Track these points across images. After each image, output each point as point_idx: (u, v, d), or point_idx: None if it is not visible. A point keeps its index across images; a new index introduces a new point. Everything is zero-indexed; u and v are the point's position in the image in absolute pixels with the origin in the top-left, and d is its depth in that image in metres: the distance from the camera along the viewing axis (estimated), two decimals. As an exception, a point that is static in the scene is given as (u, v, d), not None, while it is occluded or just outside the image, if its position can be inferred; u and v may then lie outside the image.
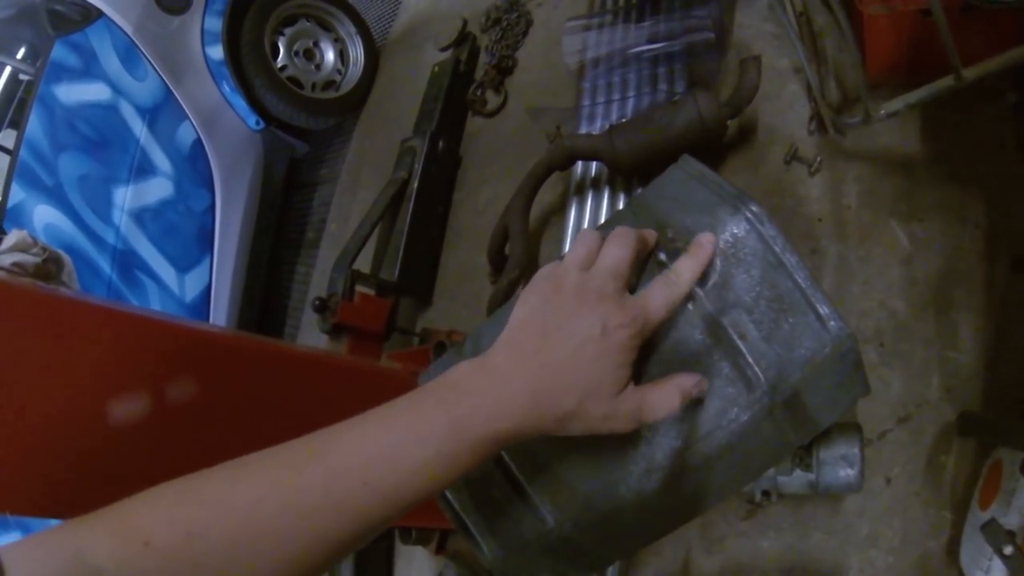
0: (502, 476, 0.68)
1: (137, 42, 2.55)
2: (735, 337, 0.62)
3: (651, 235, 0.65)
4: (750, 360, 0.62)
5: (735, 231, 0.64)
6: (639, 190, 1.55)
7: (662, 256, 0.65)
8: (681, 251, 0.65)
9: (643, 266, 0.66)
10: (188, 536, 0.42)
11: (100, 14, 2.49)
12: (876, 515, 1.25)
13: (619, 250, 0.57)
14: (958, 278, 1.28)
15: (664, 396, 0.56)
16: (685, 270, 0.59)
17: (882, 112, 1.20)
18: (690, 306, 0.64)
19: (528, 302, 0.56)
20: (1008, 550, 0.90)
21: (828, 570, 1.27)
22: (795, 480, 1.21)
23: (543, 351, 0.52)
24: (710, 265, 0.64)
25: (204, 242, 2.85)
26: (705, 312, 0.63)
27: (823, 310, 0.62)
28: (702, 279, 0.64)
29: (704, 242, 0.61)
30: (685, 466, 0.63)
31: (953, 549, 1.16)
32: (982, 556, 1.01)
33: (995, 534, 0.92)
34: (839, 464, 1.16)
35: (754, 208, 0.64)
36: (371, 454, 0.47)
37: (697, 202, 0.68)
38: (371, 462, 0.47)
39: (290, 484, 0.45)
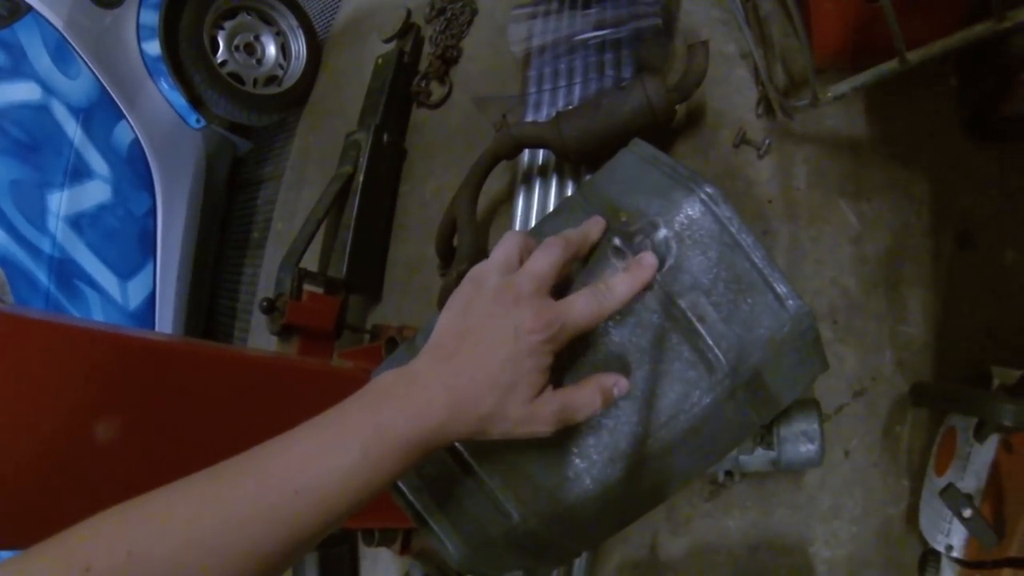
0: (462, 473, 0.67)
1: (69, 38, 2.41)
2: (694, 319, 0.62)
3: (596, 227, 0.65)
4: (710, 342, 0.62)
5: (690, 213, 0.64)
6: (588, 176, 1.54)
7: (616, 241, 0.65)
8: (636, 235, 0.64)
9: (592, 252, 0.65)
10: (129, 557, 0.42)
11: (29, 9, 2.34)
12: (837, 487, 1.28)
13: (545, 256, 0.57)
14: (906, 254, 1.30)
15: (584, 397, 0.57)
16: (618, 287, 0.59)
17: (829, 95, 1.21)
18: (646, 291, 0.64)
19: (450, 306, 0.57)
20: (967, 512, 0.92)
21: (793, 544, 1.29)
22: (757, 459, 1.22)
23: (460, 353, 0.53)
24: (666, 248, 0.63)
25: (146, 247, 2.74)
26: (662, 295, 0.63)
27: (781, 289, 0.62)
28: (660, 263, 0.63)
29: (646, 263, 0.61)
30: (649, 453, 0.63)
31: (913, 515, 1.19)
32: (941, 520, 1.03)
33: (954, 498, 0.94)
34: (799, 440, 1.18)
35: (709, 189, 0.64)
36: (300, 463, 0.48)
37: (650, 185, 0.67)
38: (300, 471, 0.47)
39: (226, 498, 0.46)
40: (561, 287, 0.62)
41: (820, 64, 1.36)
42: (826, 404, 1.28)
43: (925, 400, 1.22)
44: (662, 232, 0.64)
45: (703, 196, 0.64)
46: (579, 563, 1.45)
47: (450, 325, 0.55)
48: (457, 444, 0.66)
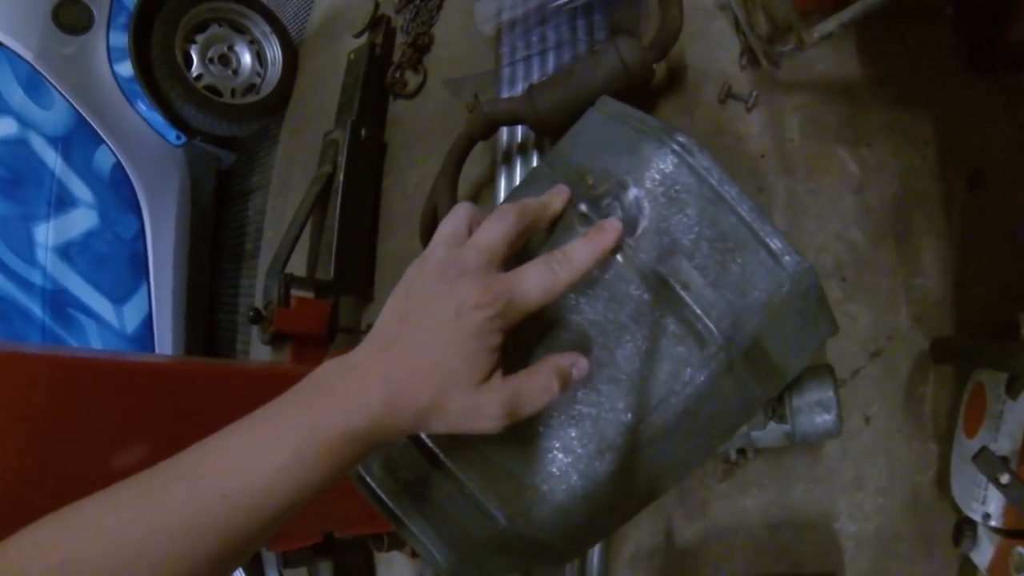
0: (440, 475, 0.61)
1: (40, 69, 2.41)
2: (677, 287, 0.55)
3: (559, 196, 0.58)
4: (698, 312, 0.55)
5: (662, 167, 0.57)
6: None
7: (583, 207, 0.58)
8: (603, 198, 0.58)
9: (556, 222, 0.59)
10: (61, 567, 0.40)
11: (-2, 44, 2.33)
12: (859, 457, 1.21)
13: (494, 226, 0.50)
14: (914, 201, 1.23)
15: (538, 382, 0.49)
16: (576, 254, 0.52)
17: (815, 35, 1.15)
18: (620, 258, 0.57)
19: (396, 289, 0.51)
20: (1005, 478, 0.85)
21: (816, 520, 1.23)
22: (770, 433, 1.15)
23: (400, 339, 0.47)
24: (638, 210, 0.56)
25: (138, 269, 2.73)
26: (639, 263, 0.56)
27: (775, 244, 0.55)
28: (631, 227, 0.56)
29: (607, 226, 0.54)
30: (641, 441, 0.56)
31: (943, 482, 1.12)
32: (976, 486, 0.97)
33: (989, 462, 0.87)
34: (814, 411, 1.10)
35: (681, 139, 0.57)
36: (229, 463, 0.44)
37: (617, 142, 0.61)
38: (228, 471, 0.44)
39: (155, 505, 0.43)
40: (521, 264, 0.53)
41: (803, 6, 1.27)
42: (841, 369, 1.21)
43: (948, 357, 1.15)
44: (632, 192, 0.57)
45: (675, 147, 0.57)
46: (594, 554, 1.39)
47: (392, 308, 0.50)
48: (430, 443, 0.60)
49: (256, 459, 0.44)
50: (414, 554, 1.80)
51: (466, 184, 1.86)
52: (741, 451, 1.21)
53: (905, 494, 1.16)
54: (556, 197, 0.58)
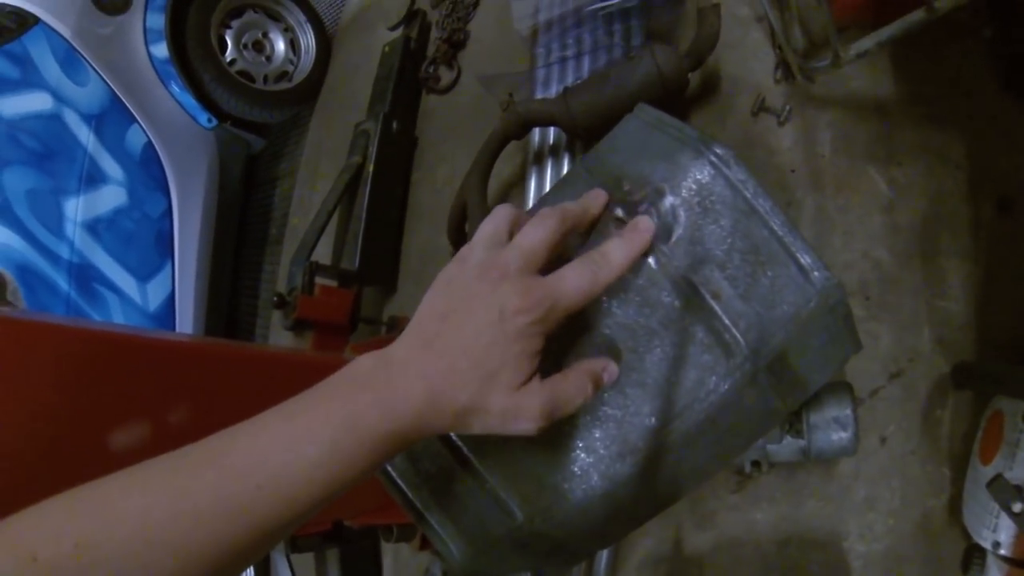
0: (462, 469, 0.61)
1: (77, 46, 2.43)
2: (707, 297, 0.56)
3: (597, 200, 0.58)
4: (727, 322, 0.55)
5: (699, 177, 0.57)
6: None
7: (619, 212, 0.59)
8: (639, 204, 0.58)
9: (593, 226, 0.59)
10: (76, 548, 0.39)
11: (36, 20, 2.36)
12: (872, 477, 1.20)
13: (535, 230, 0.50)
14: (942, 222, 1.22)
15: (572, 386, 0.50)
16: (614, 254, 0.52)
17: (852, 52, 1.14)
18: (654, 264, 0.57)
19: (434, 285, 0.51)
20: (1017, 507, 0.85)
21: (826, 538, 1.22)
22: (785, 448, 1.14)
23: (440, 338, 0.47)
24: (673, 218, 0.57)
25: (163, 248, 2.75)
26: (671, 271, 0.57)
27: (805, 260, 0.55)
28: (666, 234, 0.57)
29: (641, 226, 0.54)
30: (662, 447, 0.56)
31: (955, 507, 1.11)
32: (988, 514, 0.96)
33: (1002, 490, 0.87)
34: (831, 428, 1.10)
35: (719, 150, 0.57)
36: (264, 454, 0.44)
37: (655, 150, 0.61)
38: (264, 463, 0.43)
39: (182, 489, 0.42)
40: (557, 266, 0.53)
41: (840, 21, 1.27)
42: (859, 387, 1.21)
43: (968, 381, 1.14)
44: (668, 199, 0.58)
45: (713, 158, 0.57)
46: (601, 560, 1.39)
47: (431, 306, 0.49)
48: (455, 438, 0.61)
49: (293, 451, 0.44)
50: (422, 546, 1.79)
51: (496, 182, 1.86)
52: (756, 463, 1.21)
53: (916, 517, 1.16)
54: (594, 201, 0.58)
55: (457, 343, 0.46)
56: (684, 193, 0.57)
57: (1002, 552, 0.94)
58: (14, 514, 0.41)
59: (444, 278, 0.50)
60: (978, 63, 1.23)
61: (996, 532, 0.95)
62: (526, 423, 0.48)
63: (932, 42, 1.22)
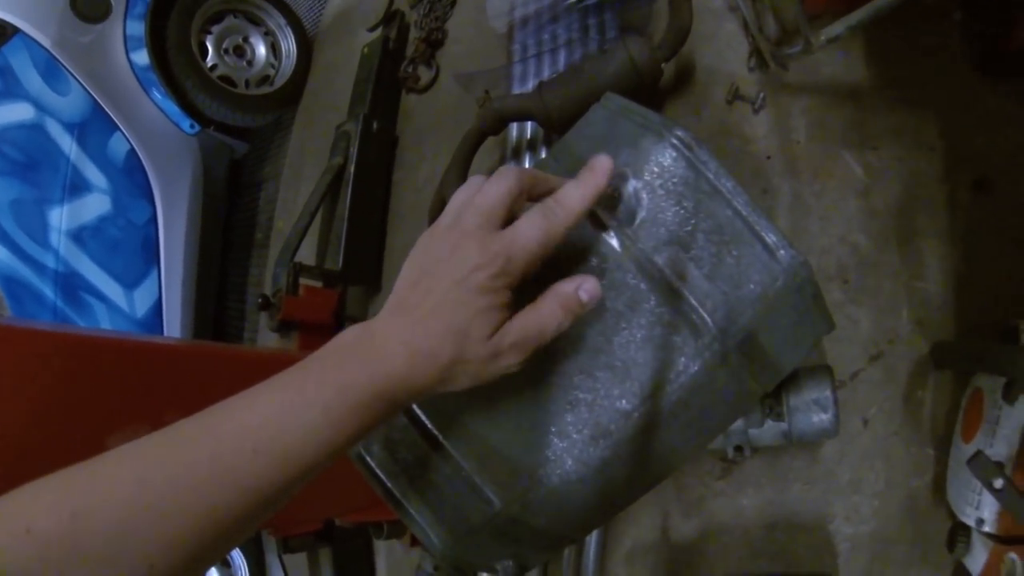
0: (438, 457, 0.62)
1: (57, 56, 2.43)
2: (673, 278, 0.56)
3: (556, 178, 0.58)
4: (693, 302, 0.56)
5: (661, 160, 0.58)
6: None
7: None
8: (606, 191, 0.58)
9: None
10: (72, 519, 0.40)
11: (16, 31, 2.36)
12: (856, 459, 1.21)
13: (492, 187, 0.52)
14: (919, 204, 1.22)
15: (544, 313, 0.51)
16: (569, 196, 0.52)
17: (823, 38, 1.15)
18: (618, 247, 0.58)
19: (409, 256, 0.53)
20: (998, 483, 0.85)
21: (812, 521, 1.23)
22: (767, 432, 1.14)
23: (414, 303, 0.50)
24: (636, 201, 0.57)
25: (149, 255, 2.76)
26: (636, 253, 0.57)
27: (770, 238, 0.56)
28: (630, 218, 0.57)
29: (596, 165, 0.53)
30: (636, 429, 0.57)
31: (940, 487, 1.12)
32: (970, 491, 0.96)
33: (983, 467, 0.87)
34: (812, 410, 1.10)
35: (679, 133, 0.58)
36: (259, 420, 0.46)
37: (619, 136, 0.62)
38: (259, 428, 0.46)
39: (178, 458, 0.44)
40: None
41: (812, 10, 1.28)
42: (840, 370, 1.21)
43: (948, 361, 1.15)
44: (631, 183, 0.59)
45: (674, 140, 0.58)
46: (590, 549, 1.40)
47: (406, 275, 0.52)
48: (429, 425, 0.62)
49: (287, 417, 0.46)
50: (413, 543, 1.80)
51: (475, 179, 1.85)
52: (738, 448, 1.21)
53: (901, 498, 1.16)
54: (555, 178, 0.58)
55: (428, 305, 0.49)
56: (647, 176, 0.58)
57: (986, 529, 0.93)
58: (12, 490, 0.42)
59: (418, 247, 0.53)
60: (950, 45, 1.23)
61: (979, 509, 0.94)
62: (505, 360, 0.50)
63: (903, 26, 1.22)
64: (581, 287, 0.52)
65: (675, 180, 0.58)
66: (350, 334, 0.51)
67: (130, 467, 0.44)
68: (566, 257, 0.59)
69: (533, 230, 0.50)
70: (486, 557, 0.67)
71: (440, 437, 0.61)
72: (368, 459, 0.65)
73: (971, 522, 0.96)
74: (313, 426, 0.46)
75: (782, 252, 0.55)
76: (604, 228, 0.59)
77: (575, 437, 0.57)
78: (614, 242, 0.58)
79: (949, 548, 1.02)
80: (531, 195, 0.54)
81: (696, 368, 0.56)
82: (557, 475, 0.57)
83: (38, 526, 0.40)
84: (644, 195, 0.58)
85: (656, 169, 0.58)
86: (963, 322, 1.16)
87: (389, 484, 0.64)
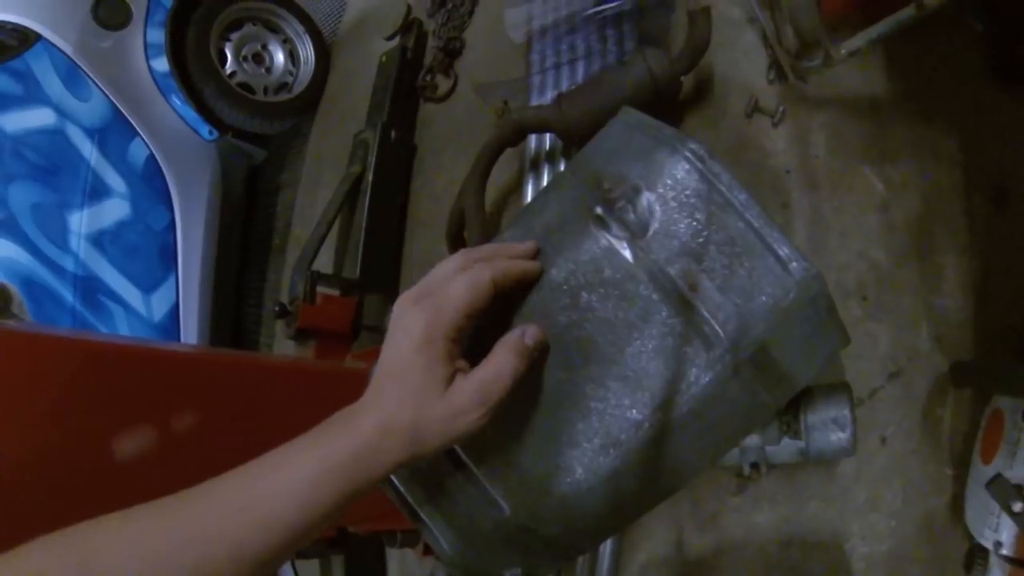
0: (452, 464, 0.62)
1: (79, 62, 2.46)
2: (685, 289, 0.56)
3: (524, 248, 0.62)
4: (705, 314, 0.56)
5: (674, 172, 0.59)
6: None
7: (598, 210, 0.60)
8: (616, 201, 0.60)
9: (573, 223, 0.62)
10: (79, 568, 0.44)
11: (38, 37, 2.39)
12: (874, 478, 1.19)
13: (444, 263, 0.58)
14: (938, 219, 1.21)
15: (497, 364, 0.55)
16: (495, 262, 0.58)
17: (843, 52, 1.15)
18: (631, 258, 0.58)
19: None
20: (1017, 507, 0.84)
21: (828, 539, 1.21)
22: (784, 449, 1.13)
23: (383, 376, 0.54)
24: (649, 213, 0.59)
25: (167, 260, 2.77)
26: (648, 264, 0.58)
27: (782, 251, 0.55)
28: (643, 229, 0.58)
29: (519, 247, 0.62)
30: (646, 440, 0.57)
31: (958, 507, 1.09)
32: (989, 514, 0.95)
33: (1002, 490, 0.86)
34: (830, 428, 1.09)
35: (692, 146, 0.59)
36: (248, 483, 0.50)
37: (633, 150, 0.62)
38: (246, 490, 0.50)
39: (178, 515, 0.48)
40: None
41: (831, 21, 1.27)
42: (858, 388, 1.19)
43: (968, 380, 1.13)
44: (644, 195, 0.59)
45: (687, 153, 0.58)
46: (604, 562, 1.40)
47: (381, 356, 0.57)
48: None
49: (270, 478, 0.50)
50: (426, 552, 1.80)
51: (493, 190, 1.86)
52: (755, 465, 1.20)
53: (918, 518, 1.14)
54: (521, 247, 0.62)
55: (390, 373, 0.53)
56: (660, 189, 0.59)
57: (1004, 552, 0.92)
58: (28, 542, 0.45)
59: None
60: (970, 57, 1.22)
61: (998, 532, 0.93)
62: (467, 416, 0.53)
63: (923, 38, 1.20)
64: (525, 333, 0.56)
65: (687, 192, 0.58)
66: (337, 415, 0.54)
67: (138, 523, 0.47)
68: (579, 266, 0.60)
69: (458, 284, 0.54)
70: (496, 565, 0.67)
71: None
72: None
73: (989, 544, 0.95)
74: (291, 491, 0.49)
75: (794, 264, 0.55)
76: (616, 238, 0.60)
77: (585, 446, 0.58)
78: (627, 253, 0.58)
79: (966, 570, 1.01)
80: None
81: (708, 379, 0.56)
82: (567, 483, 0.58)
83: (51, 572, 0.43)
84: (657, 207, 0.58)
85: (669, 181, 0.58)
86: (983, 339, 1.14)
87: (402, 489, 0.65)
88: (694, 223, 0.57)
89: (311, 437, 0.53)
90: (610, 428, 0.57)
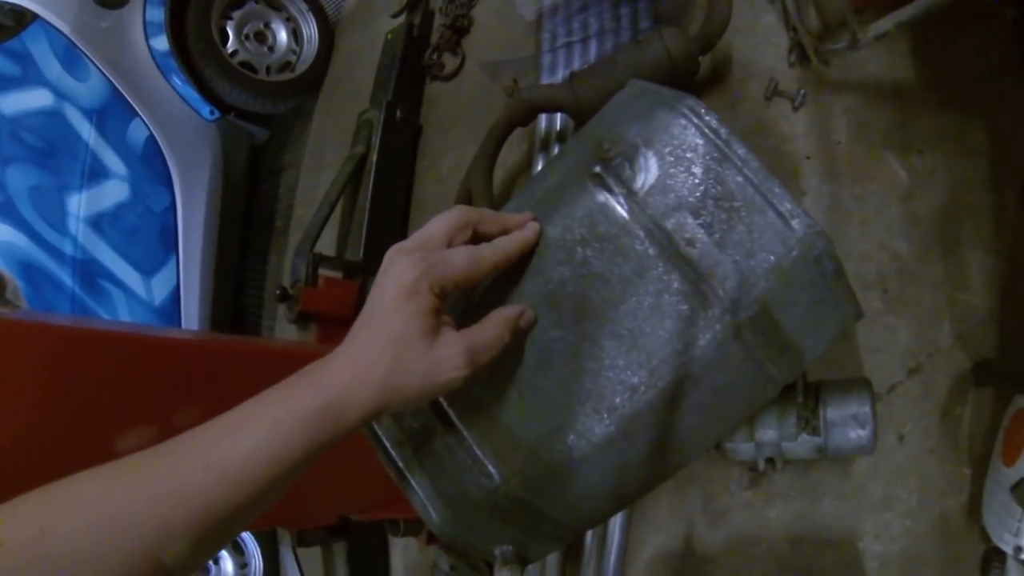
0: (443, 427, 0.62)
1: (76, 42, 2.42)
2: (682, 244, 0.55)
3: (514, 220, 0.62)
4: (702, 270, 0.54)
5: (672, 129, 0.58)
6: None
7: (596, 169, 0.60)
8: (614, 159, 0.60)
9: (570, 181, 0.62)
10: (41, 532, 0.43)
11: (35, 17, 2.35)
12: (889, 476, 1.16)
13: (437, 219, 0.57)
14: (963, 212, 1.17)
15: (488, 333, 0.55)
16: (501, 245, 0.58)
17: (870, 34, 1.11)
18: (626, 213, 0.57)
19: None
20: (1042, 513, 0.80)
21: (841, 537, 1.19)
22: (801, 445, 1.10)
23: (359, 326, 0.53)
24: (646, 169, 0.58)
25: (167, 242, 2.75)
26: (644, 219, 0.57)
27: (784, 206, 0.54)
28: (640, 185, 0.58)
29: (526, 223, 0.61)
30: (643, 406, 0.55)
31: (975, 508, 1.07)
32: (1010, 517, 0.92)
33: (1027, 495, 0.83)
34: (849, 425, 1.06)
35: (689, 102, 0.58)
36: (211, 439, 0.49)
37: (634, 112, 0.62)
38: (211, 446, 0.48)
39: (138, 476, 0.47)
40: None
41: (857, 3, 1.22)
42: (877, 383, 1.15)
43: (990, 379, 1.09)
44: (642, 152, 0.59)
45: (684, 109, 0.58)
46: (611, 554, 1.40)
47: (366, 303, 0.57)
48: None
49: (237, 433, 0.48)
50: (429, 540, 1.79)
51: (502, 170, 1.84)
52: (770, 461, 1.17)
53: (934, 518, 1.11)
54: (511, 220, 0.61)
55: (368, 322, 0.53)
56: (657, 145, 0.58)
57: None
58: None
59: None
60: (1001, 46, 1.18)
61: (1018, 536, 0.90)
62: (451, 371, 0.52)
63: (953, 24, 1.17)
64: (523, 315, 0.58)
65: (684, 147, 0.57)
66: (309, 365, 0.53)
67: (99, 484, 0.46)
68: (575, 221, 0.60)
69: (461, 256, 0.54)
70: (485, 540, 0.66)
71: (445, 404, 0.61)
72: (375, 427, 0.66)
73: (1008, 549, 0.92)
74: (259, 442, 0.48)
75: (796, 220, 0.53)
76: (612, 193, 0.59)
77: (576, 409, 0.56)
78: (623, 208, 0.58)
79: (982, 573, 0.99)
80: (479, 230, 0.58)
81: (706, 340, 0.54)
82: (558, 450, 0.57)
83: (12, 539, 0.43)
84: (654, 163, 0.58)
85: (666, 137, 0.58)
86: (1006, 337, 1.11)
87: (392, 452, 0.64)
88: (691, 177, 0.56)
89: (279, 389, 0.51)
90: (604, 390, 0.56)
